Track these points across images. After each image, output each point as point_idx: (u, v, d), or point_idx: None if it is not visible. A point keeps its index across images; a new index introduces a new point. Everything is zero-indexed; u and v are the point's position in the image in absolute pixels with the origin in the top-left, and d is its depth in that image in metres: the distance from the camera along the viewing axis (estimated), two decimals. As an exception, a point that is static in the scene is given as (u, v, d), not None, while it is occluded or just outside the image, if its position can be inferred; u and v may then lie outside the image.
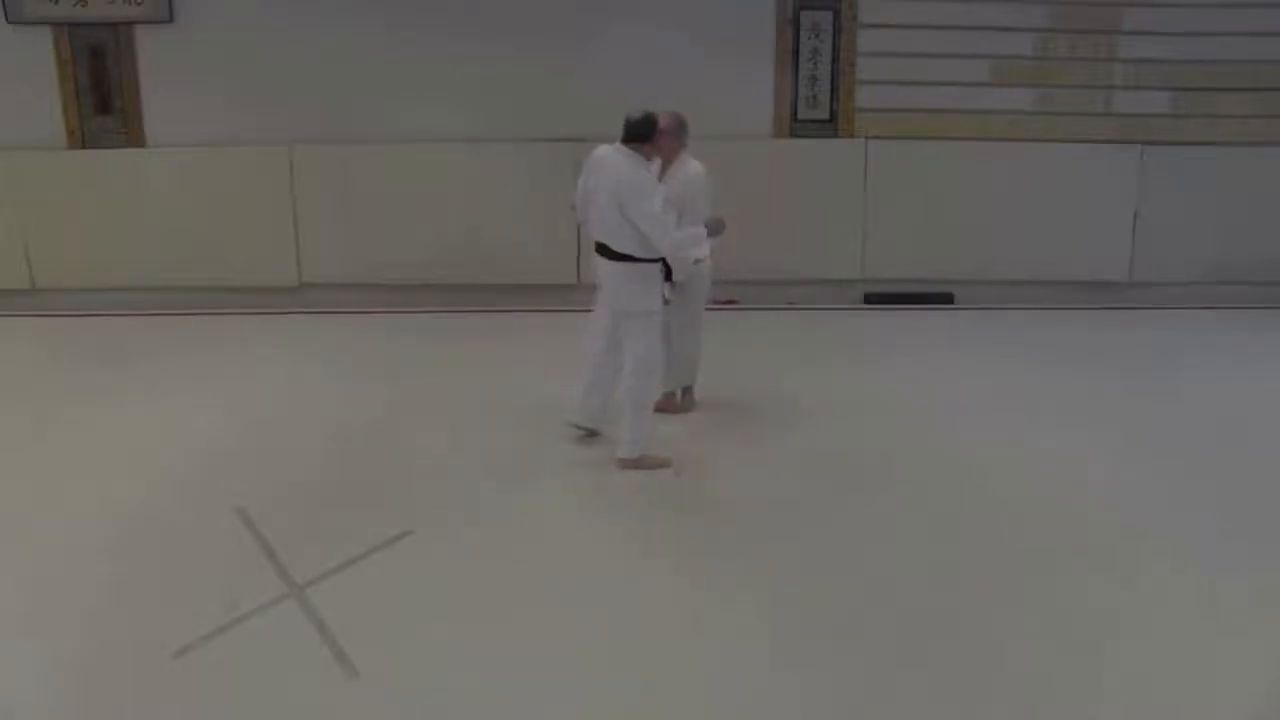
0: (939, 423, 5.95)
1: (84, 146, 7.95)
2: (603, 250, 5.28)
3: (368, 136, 7.97)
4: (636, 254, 5.18)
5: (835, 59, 7.99)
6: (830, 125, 8.09)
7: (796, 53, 7.98)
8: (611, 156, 5.20)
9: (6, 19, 7.69)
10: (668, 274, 5.30)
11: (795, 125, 8.05)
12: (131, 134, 7.95)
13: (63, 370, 6.79)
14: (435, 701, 3.70)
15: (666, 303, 5.38)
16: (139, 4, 7.71)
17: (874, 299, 8.24)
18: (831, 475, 5.36)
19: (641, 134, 5.18)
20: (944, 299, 8.29)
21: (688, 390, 6.06)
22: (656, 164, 5.40)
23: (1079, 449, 5.64)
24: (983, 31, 7.89)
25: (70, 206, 7.95)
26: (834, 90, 8.04)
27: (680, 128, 5.58)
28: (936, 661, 3.89)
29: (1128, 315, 7.98)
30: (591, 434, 5.64)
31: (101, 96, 7.88)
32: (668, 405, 5.89)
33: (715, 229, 5.38)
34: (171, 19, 7.76)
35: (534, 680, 3.78)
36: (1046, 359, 6.93)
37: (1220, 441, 5.74)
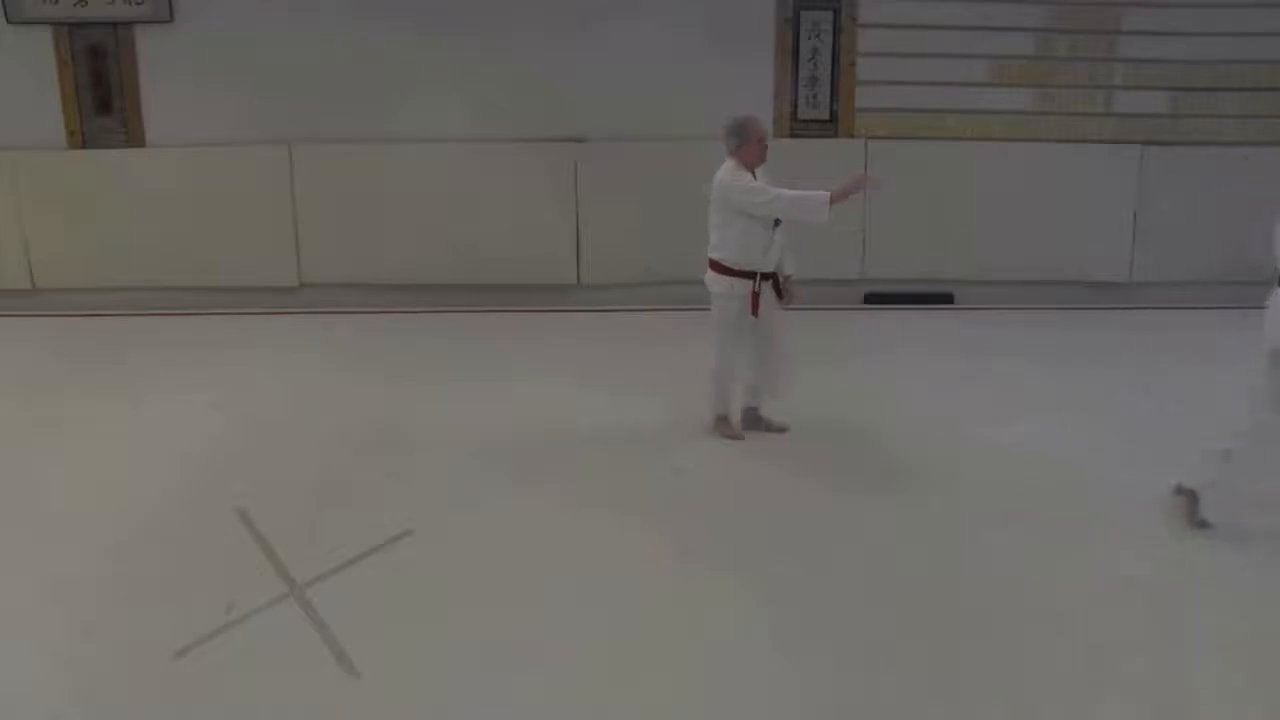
0: (939, 422, 5.94)
1: (84, 146, 7.95)
2: None
3: (368, 136, 7.96)
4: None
5: (835, 59, 7.99)
6: (830, 125, 8.09)
7: (796, 53, 7.98)
8: None
9: (6, 19, 7.68)
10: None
11: (795, 125, 8.04)
12: (131, 134, 7.95)
13: (63, 370, 6.79)
14: (435, 701, 3.70)
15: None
16: (139, 4, 7.71)
17: (874, 299, 8.24)
18: (831, 474, 5.37)
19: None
20: (944, 299, 8.29)
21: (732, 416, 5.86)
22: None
23: (1079, 449, 5.63)
24: (983, 31, 7.88)
25: (70, 206, 7.94)
26: (834, 90, 8.04)
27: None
28: (936, 661, 3.89)
29: (1128, 315, 7.97)
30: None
31: (101, 96, 7.87)
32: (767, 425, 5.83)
33: None
34: (171, 19, 7.76)
35: (534, 680, 3.78)
36: (1046, 359, 6.93)
37: (1219, 441, 5.73)
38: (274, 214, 8.03)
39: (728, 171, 5.39)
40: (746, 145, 5.38)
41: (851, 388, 6.36)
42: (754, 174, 5.41)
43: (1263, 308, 4.73)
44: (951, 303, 8.29)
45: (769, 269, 5.46)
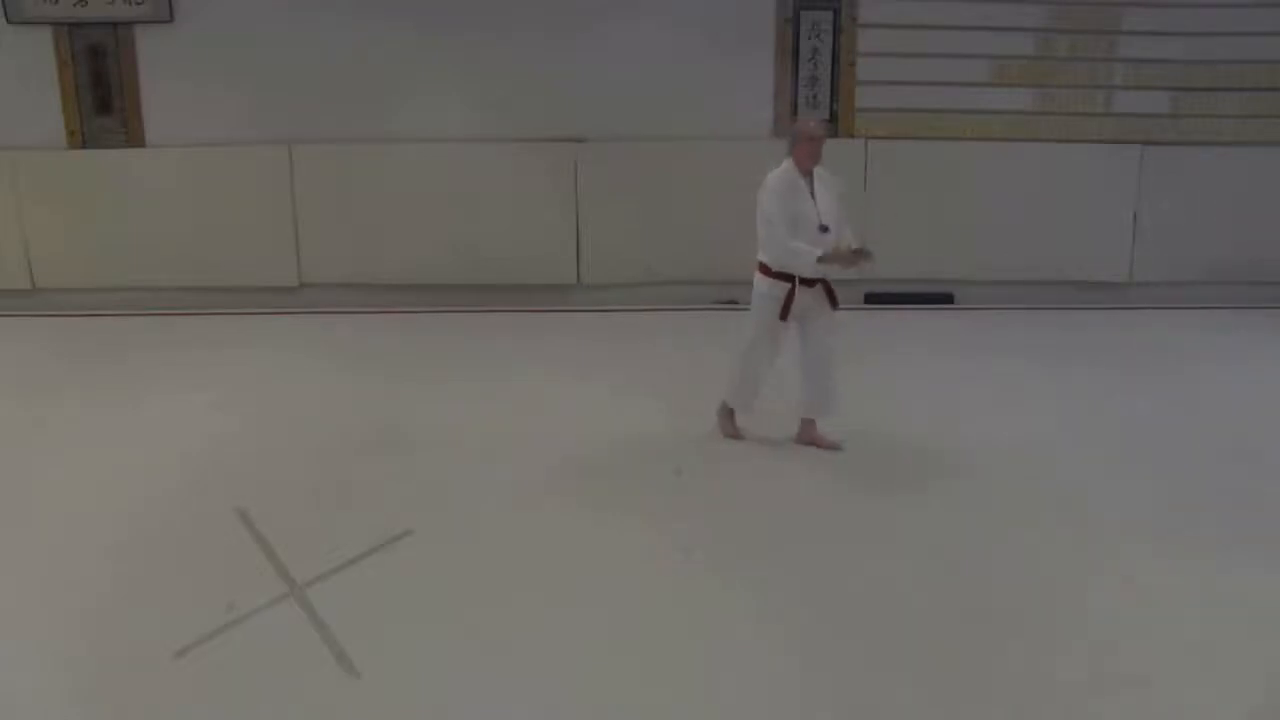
0: (938, 422, 5.94)
1: (84, 146, 7.94)
2: None
3: (368, 136, 7.96)
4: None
5: (835, 59, 7.99)
6: (830, 125, 8.09)
7: (796, 52, 7.98)
8: None
9: (6, 19, 7.68)
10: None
11: (796, 125, 8.05)
12: (131, 134, 7.94)
13: (63, 370, 6.79)
14: (435, 701, 3.70)
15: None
16: (139, 4, 7.71)
17: (874, 299, 8.24)
18: (831, 475, 5.37)
19: None
20: (944, 299, 8.29)
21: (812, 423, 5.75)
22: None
23: (1079, 449, 5.64)
24: (983, 31, 7.88)
25: (70, 206, 7.94)
26: (834, 90, 8.04)
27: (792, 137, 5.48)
28: (936, 661, 3.89)
29: (1128, 315, 7.98)
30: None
31: (101, 96, 7.87)
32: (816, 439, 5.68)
33: None
34: (171, 19, 7.76)
35: (534, 680, 3.79)
36: (1046, 359, 6.93)
37: (1220, 441, 5.74)
38: (274, 214, 8.03)
39: (775, 174, 5.37)
40: (796, 146, 5.37)
41: (851, 388, 6.33)
42: (810, 177, 5.36)
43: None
44: (951, 303, 8.29)
45: (810, 275, 5.37)
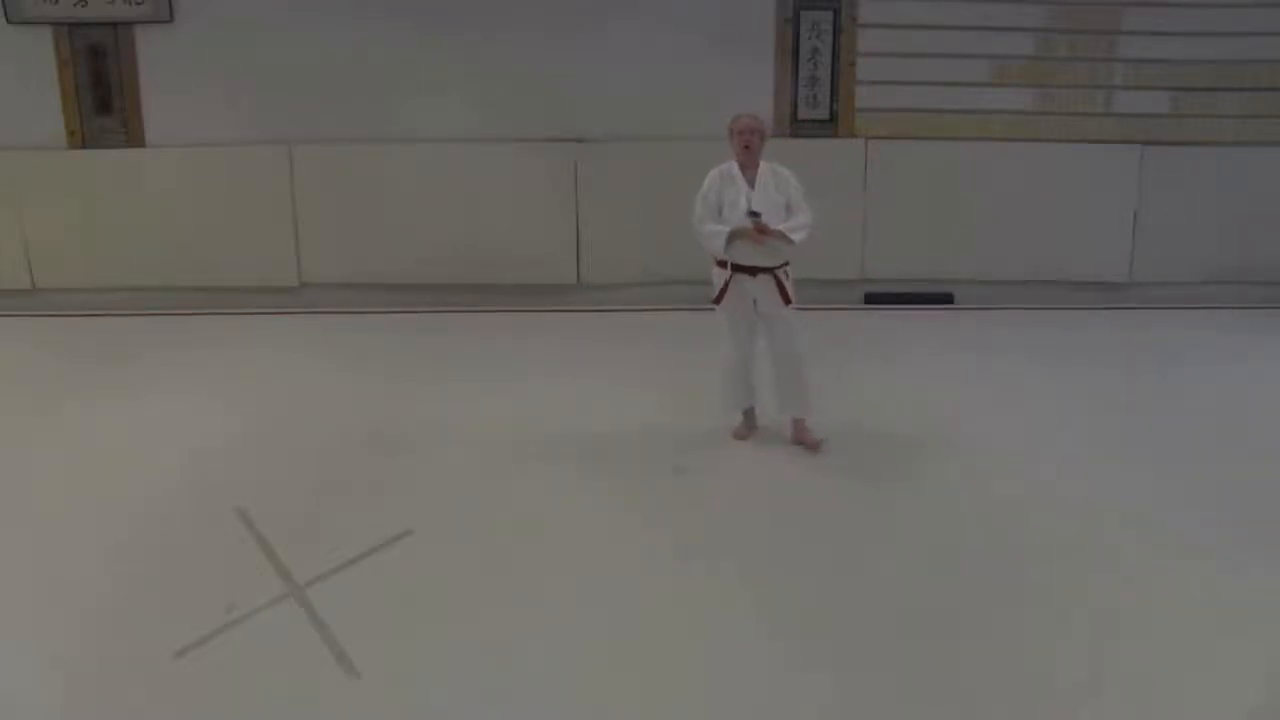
0: (938, 422, 5.94)
1: (84, 146, 7.95)
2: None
3: (368, 136, 7.97)
4: None
5: (835, 59, 7.99)
6: (830, 125, 8.09)
7: (796, 52, 7.98)
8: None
9: (6, 19, 7.68)
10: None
11: (795, 125, 8.05)
12: (131, 134, 7.95)
13: (63, 370, 6.79)
14: (435, 701, 3.70)
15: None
16: (139, 4, 7.71)
17: (874, 299, 8.24)
18: (830, 475, 5.36)
19: None
20: (944, 299, 8.29)
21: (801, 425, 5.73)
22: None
23: (1078, 449, 5.64)
24: (983, 31, 7.89)
25: (70, 206, 7.94)
26: (834, 90, 8.04)
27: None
28: (937, 661, 3.89)
29: (1128, 315, 7.98)
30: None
31: (101, 96, 7.87)
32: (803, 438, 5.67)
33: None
34: (171, 19, 7.76)
35: (534, 680, 3.79)
36: (1046, 359, 6.93)
37: (1220, 441, 5.74)
38: (274, 214, 8.03)
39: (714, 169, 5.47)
40: (730, 140, 5.46)
41: (851, 388, 6.35)
42: (755, 171, 5.41)
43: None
44: (951, 303, 8.29)
45: (743, 262, 5.40)
